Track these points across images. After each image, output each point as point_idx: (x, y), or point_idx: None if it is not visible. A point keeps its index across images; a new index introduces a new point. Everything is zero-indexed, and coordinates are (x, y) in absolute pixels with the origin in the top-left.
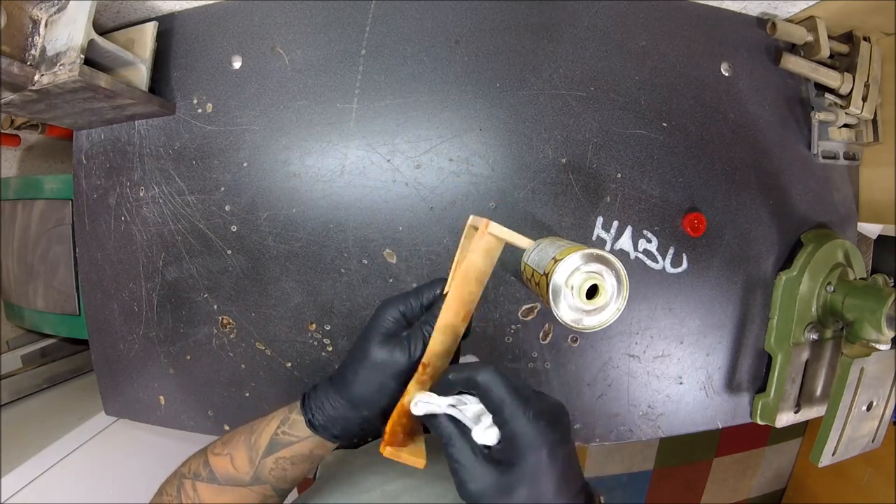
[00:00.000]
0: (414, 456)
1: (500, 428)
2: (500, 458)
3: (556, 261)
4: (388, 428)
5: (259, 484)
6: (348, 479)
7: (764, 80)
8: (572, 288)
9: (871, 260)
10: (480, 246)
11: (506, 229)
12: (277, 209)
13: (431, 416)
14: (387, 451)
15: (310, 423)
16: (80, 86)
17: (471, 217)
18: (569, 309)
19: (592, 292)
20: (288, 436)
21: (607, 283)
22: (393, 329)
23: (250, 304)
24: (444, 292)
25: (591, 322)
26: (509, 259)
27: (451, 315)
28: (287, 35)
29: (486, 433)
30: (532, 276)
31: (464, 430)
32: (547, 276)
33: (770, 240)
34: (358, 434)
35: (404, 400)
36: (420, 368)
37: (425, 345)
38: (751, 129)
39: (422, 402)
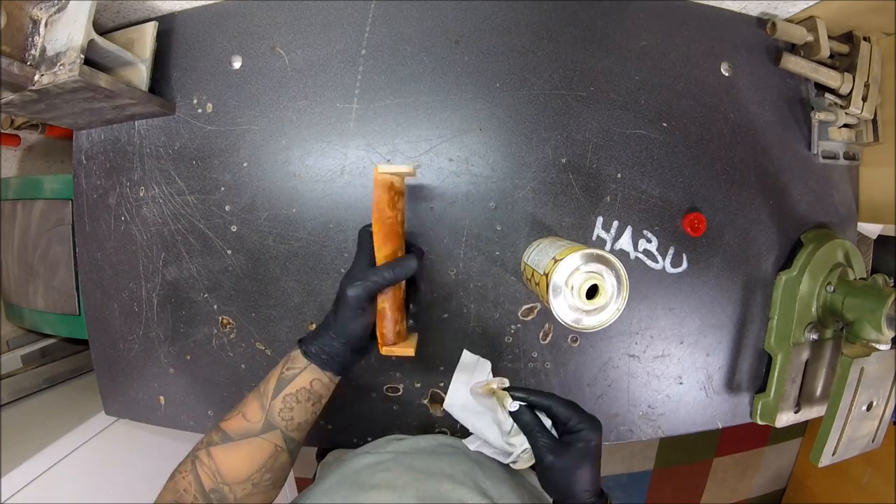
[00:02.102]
0: (406, 349)
1: (566, 423)
2: (566, 442)
3: (555, 261)
4: (378, 333)
5: (270, 430)
6: (351, 476)
7: (764, 80)
8: (572, 288)
9: (871, 260)
10: (377, 183)
11: (390, 165)
12: (277, 209)
13: (520, 413)
14: (384, 350)
15: (305, 354)
16: (80, 86)
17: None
18: (568, 309)
19: (592, 292)
20: (291, 370)
21: (607, 283)
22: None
23: (250, 304)
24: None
25: (591, 322)
26: (509, 259)
27: (380, 239)
28: (287, 35)
29: (554, 430)
30: (532, 276)
31: (541, 423)
32: (547, 276)
33: (770, 240)
34: (343, 357)
35: (383, 307)
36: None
37: (377, 281)
38: (751, 129)
39: (514, 403)
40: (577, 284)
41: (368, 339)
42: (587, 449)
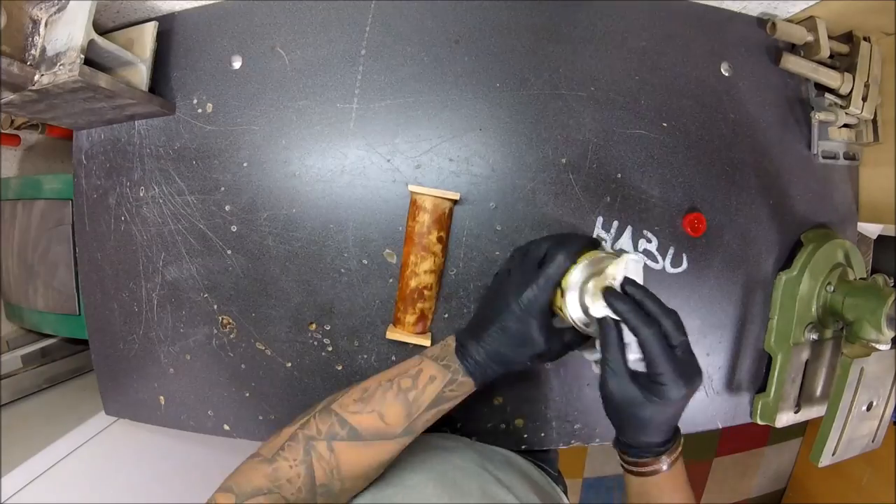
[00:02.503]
0: (421, 340)
1: (648, 367)
2: (642, 383)
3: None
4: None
5: (408, 435)
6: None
7: (764, 80)
8: (587, 291)
9: (871, 260)
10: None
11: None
12: (277, 209)
13: (605, 323)
14: (393, 334)
15: (477, 378)
16: (80, 86)
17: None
18: (581, 310)
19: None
20: (454, 393)
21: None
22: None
23: (250, 304)
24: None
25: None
26: None
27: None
28: (287, 35)
29: (637, 364)
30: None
31: (622, 344)
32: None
33: (770, 240)
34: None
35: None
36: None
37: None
38: (751, 130)
39: (603, 306)
40: (592, 288)
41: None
42: (656, 406)
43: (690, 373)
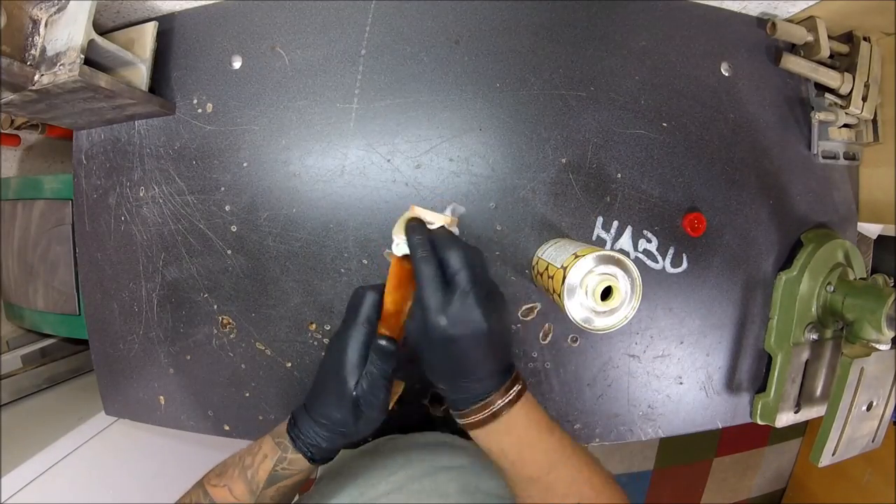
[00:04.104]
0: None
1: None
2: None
3: (576, 256)
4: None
5: None
6: (350, 476)
7: (764, 80)
8: (587, 288)
9: (871, 260)
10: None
11: (429, 212)
12: (277, 209)
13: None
14: None
15: (310, 460)
16: (80, 86)
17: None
18: (581, 308)
19: (606, 294)
20: (288, 471)
21: (622, 286)
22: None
23: (250, 304)
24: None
25: (601, 323)
26: (510, 258)
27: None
28: (287, 35)
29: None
30: (546, 269)
31: (436, 279)
32: (565, 269)
33: (770, 240)
34: (347, 446)
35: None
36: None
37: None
38: (751, 129)
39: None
40: (593, 285)
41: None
42: (469, 292)
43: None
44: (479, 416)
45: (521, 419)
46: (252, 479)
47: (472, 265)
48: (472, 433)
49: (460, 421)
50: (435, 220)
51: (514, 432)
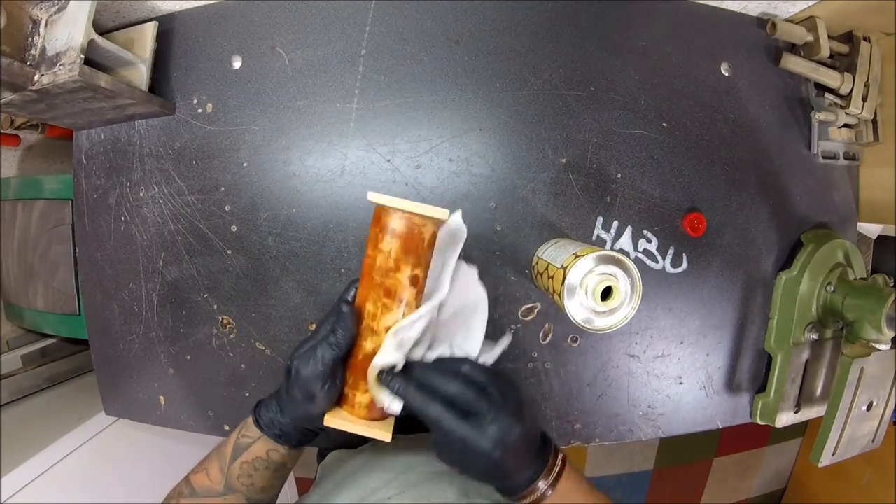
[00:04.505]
0: (376, 430)
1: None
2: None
3: (576, 256)
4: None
5: (231, 493)
6: (349, 478)
7: (764, 80)
8: (587, 288)
9: (871, 260)
10: (401, 223)
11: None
12: (277, 209)
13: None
14: (338, 422)
15: (256, 423)
16: (80, 86)
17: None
18: (581, 308)
19: (606, 295)
20: (245, 437)
21: (621, 286)
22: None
23: (250, 304)
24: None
25: (601, 323)
26: (509, 259)
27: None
28: (287, 35)
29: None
30: (546, 269)
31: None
32: (565, 269)
33: (770, 240)
34: (296, 435)
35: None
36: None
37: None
38: (751, 129)
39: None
40: (593, 285)
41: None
42: (488, 411)
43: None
44: (528, 501)
45: (567, 495)
46: (222, 454)
47: (471, 380)
48: None
49: (508, 499)
50: (417, 208)
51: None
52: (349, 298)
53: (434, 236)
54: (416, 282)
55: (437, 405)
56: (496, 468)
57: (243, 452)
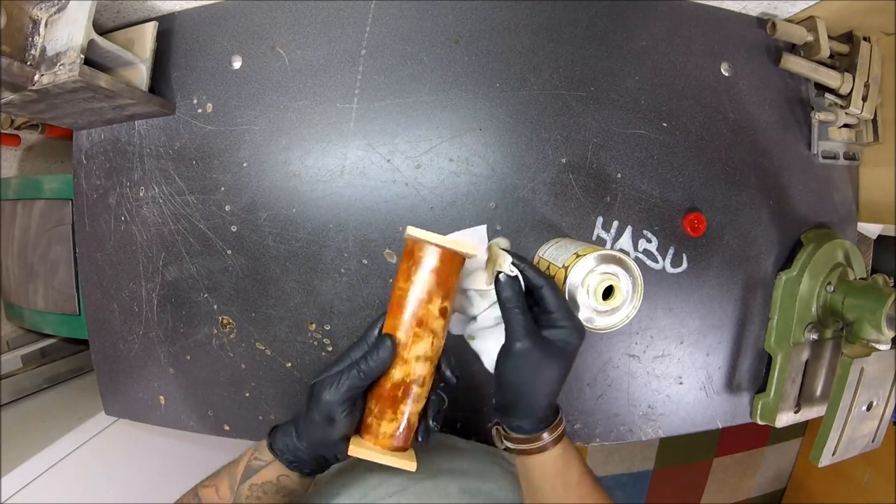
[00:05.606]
0: (401, 460)
1: (546, 315)
2: (547, 335)
3: (577, 256)
4: (364, 426)
5: None
6: (350, 476)
7: (764, 80)
8: (588, 287)
9: (871, 260)
10: (442, 257)
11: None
12: (277, 209)
13: (508, 284)
14: (365, 452)
15: (270, 447)
16: (80, 86)
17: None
18: (582, 307)
19: (607, 294)
20: (258, 460)
21: (623, 285)
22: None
23: (250, 304)
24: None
25: (602, 323)
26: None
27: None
28: (287, 35)
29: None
30: (547, 268)
31: (525, 301)
32: (566, 268)
33: (770, 240)
34: (312, 463)
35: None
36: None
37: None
38: (751, 129)
39: (513, 267)
40: (594, 284)
41: (345, 448)
42: (565, 351)
43: (578, 320)
44: (533, 446)
45: (560, 459)
46: (233, 473)
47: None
48: (517, 459)
49: (510, 445)
50: (453, 245)
51: (554, 465)
52: (380, 328)
53: (462, 265)
54: (444, 313)
55: (547, 284)
56: (568, 364)
57: (254, 475)
